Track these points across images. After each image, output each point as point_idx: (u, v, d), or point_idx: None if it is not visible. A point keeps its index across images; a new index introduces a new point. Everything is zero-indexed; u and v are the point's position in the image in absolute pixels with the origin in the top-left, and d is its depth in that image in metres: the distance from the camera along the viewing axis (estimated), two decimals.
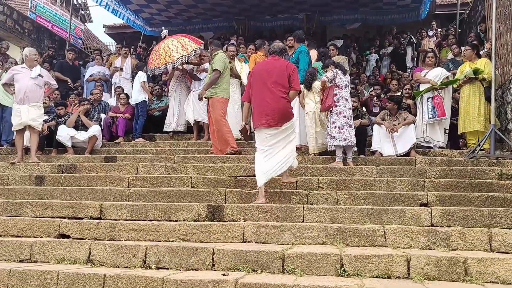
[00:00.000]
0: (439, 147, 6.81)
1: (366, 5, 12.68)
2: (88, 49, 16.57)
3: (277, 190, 5.17)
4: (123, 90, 8.72)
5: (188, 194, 5.14)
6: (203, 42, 7.72)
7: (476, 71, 6.63)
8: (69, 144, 7.43)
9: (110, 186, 5.71)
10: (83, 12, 24.20)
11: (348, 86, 6.22)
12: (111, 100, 9.27)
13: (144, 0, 12.59)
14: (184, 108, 7.88)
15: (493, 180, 5.32)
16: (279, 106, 4.74)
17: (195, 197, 5.10)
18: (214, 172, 6.03)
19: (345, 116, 6.05)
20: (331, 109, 6.10)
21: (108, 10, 12.55)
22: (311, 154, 6.62)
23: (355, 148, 6.27)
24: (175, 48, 6.96)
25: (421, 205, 4.71)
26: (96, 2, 11.74)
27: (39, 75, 6.99)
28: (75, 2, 22.75)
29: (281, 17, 13.83)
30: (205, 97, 6.77)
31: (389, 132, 6.56)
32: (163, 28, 8.14)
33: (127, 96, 8.45)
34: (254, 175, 5.82)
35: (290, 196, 5.01)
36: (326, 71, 6.38)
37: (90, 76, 9.89)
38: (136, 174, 6.22)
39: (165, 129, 8.10)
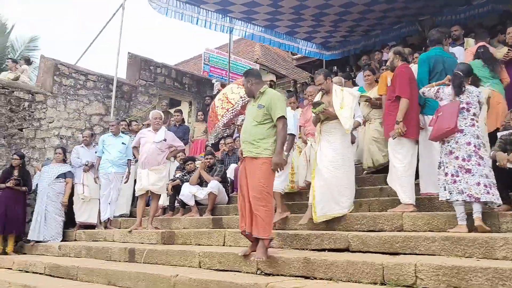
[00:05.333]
0: None
1: None
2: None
3: None
4: None
5: None
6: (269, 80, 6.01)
7: None
8: (191, 203, 7.07)
9: (184, 264, 4.96)
10: None
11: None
12: None
13: (309, 26, 11.82)
14: None
15: None
16: None
17: None
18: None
19: (457, 158, 3.77)
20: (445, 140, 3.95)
21: (264, 42, 12.27)
22: None
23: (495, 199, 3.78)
24: (220, 104, 5.48)
25: None
26: (250, 38, 11.58)
27: (164, 139, 6.87)
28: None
29: (478, 3, 10.83)
30: (249, 156, 4.34)
31: None
32: (214, 81, 6.87)
33: None
34: None
35: None
36: None
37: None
38: (223, 245, 5.31)
39: None
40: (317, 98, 5.22)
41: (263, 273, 4.15)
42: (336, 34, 12.57)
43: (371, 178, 6.34)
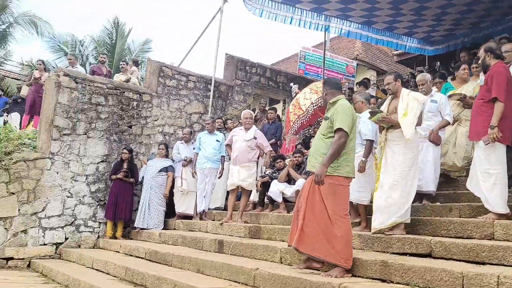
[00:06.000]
0: None
1: None
2: None
3: None
4: None
5: None
6: (346, 81, 5.80)
7: None
8: (279, 199, 7.25)
9: (266, 259, 5.16)
10: None
11: None
12: None
13: (409, 21, 11.34)
14: None
15: None
16: None
17: None
18: None
19: None
20: None
21: (361, 39, 11.99)
22: None
23: None
24: (292, 109, 5.35)
25: None
26: (346, 35, 11.42)
27: (253, 137, 7.20)
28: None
29: None
30: (313, 171, 4.16)
31: None
32: (291, 84, 6.71)
33: None
34: None
35: None
36: None
37: None
38: None
39: None
40: (385, 103, 5.00)
41: None
42: (440, 28, 11.88)
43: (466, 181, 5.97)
